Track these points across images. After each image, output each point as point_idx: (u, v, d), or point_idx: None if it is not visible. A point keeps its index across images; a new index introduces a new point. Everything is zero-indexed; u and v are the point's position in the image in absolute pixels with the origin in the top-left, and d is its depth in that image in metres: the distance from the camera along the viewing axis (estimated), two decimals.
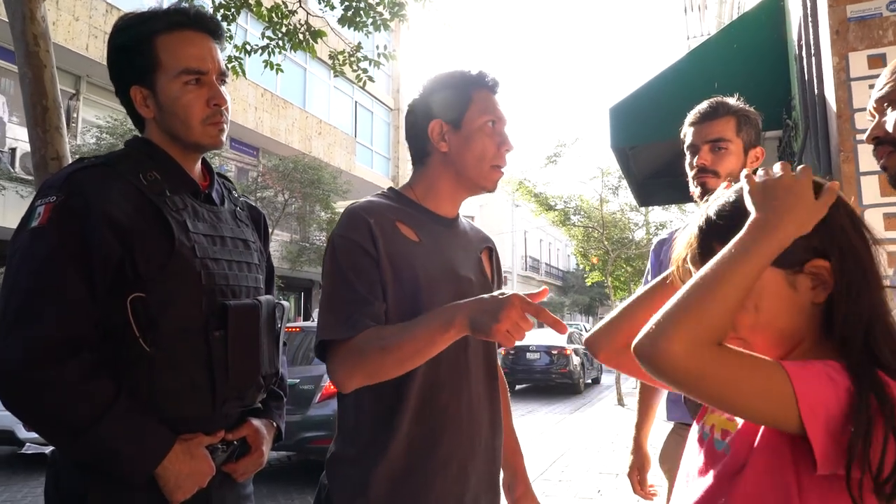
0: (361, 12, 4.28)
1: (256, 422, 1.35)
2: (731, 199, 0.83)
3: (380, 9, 4.40)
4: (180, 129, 1.26)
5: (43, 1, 2.23)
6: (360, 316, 1.16)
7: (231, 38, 4.45)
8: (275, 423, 1.41)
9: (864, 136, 1.17)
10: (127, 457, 1.09)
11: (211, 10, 4.55)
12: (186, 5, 1.30)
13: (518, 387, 14.38)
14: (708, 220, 0.83)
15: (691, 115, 1.76)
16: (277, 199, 14.45)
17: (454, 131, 1.32)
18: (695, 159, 1.70)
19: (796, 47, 3.68)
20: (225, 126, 1.31)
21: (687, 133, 1.75)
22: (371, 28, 4.38)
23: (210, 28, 1.30)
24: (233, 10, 4.18)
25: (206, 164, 1.39)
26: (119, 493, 1.12)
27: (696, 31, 11.74)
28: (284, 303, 1.43)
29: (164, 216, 1.19)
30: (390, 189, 1.39)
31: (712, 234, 0.81)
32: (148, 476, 1.11)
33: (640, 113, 4.67)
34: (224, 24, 4.35)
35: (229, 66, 4.54)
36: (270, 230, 14.01)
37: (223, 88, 1.31)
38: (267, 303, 1.33)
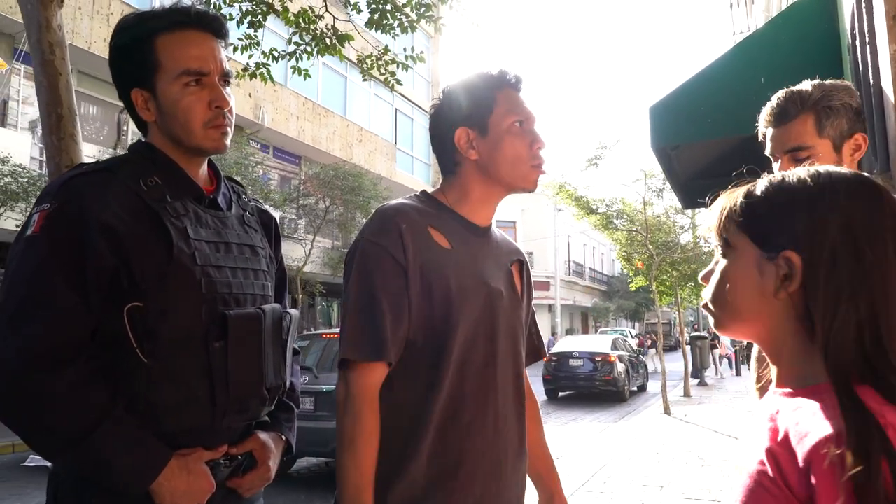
0: (388, 14, 4.26)
1: (263, 435, 1.30)
2: (763, 186, 0.76)
3: (407, 10, 4.38)
4: (181, 133, 1.22)
5: (59, 9, 2.26)
6: (384, 340, 1.14)
7: (258, 44, 4.50)
8: (284, 437, 1.35)
9: None
10: (121, 471, 1.05)
11: (238, 17, 4.66)
12: (189, 3, 1.26)
13: (561, 394, 14.14)
14: (733, 196, 0.78)
15: (766, 114, 1.46)
16: (319, 206, 14.64)
17: (482, 137, 1.27)
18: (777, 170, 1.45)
19: (849, 36, 3.47)
20: (228, 129, 1.26)
21: (766, 135, 1.47)
22: (398, 30, 4.35)
23: (213, 27, 1.25)
24: (259, 16, 4.20)
25: (213, 168, 1.35)
26: None
27: (743, 26, 11.36)
28: (293, 311, 1.37)
29: (163, 223, 1.15)
30: (423, 192, 1.35)
31: (732, 215, 0.77)
32: (143, 491, 1.07)
33: (682, 111, 4.49)
34: (251, 31, 4.43)
35: (258, 72, 4.58)
36: (312, 236, 14.25)
37: (227, 90, 1.26)
38: (272, 311, 1.27)
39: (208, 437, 1.18)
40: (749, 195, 0.76)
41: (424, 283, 1.18)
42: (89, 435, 1.03)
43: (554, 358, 13.69)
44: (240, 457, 1.24)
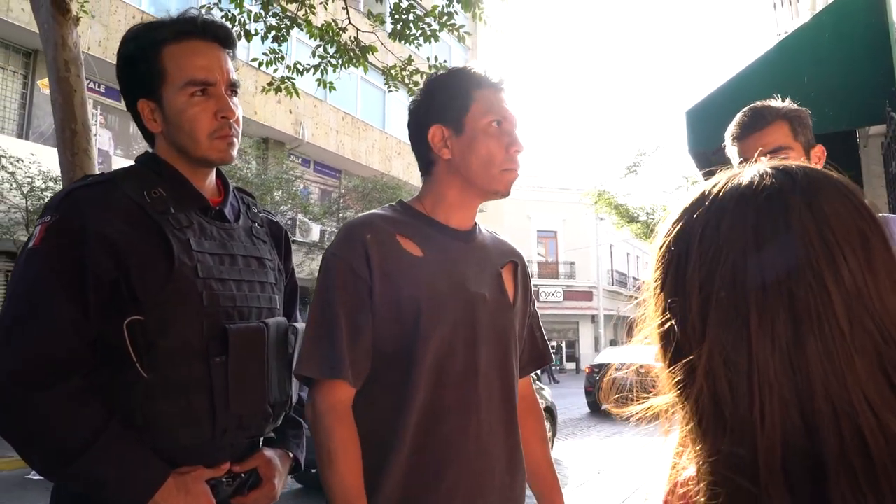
0: (411, 25, 4.26)
1: (269, 452, 1.26)
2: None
3: (429, 20, 4.38)
4: (187, 144, 1.20)
5: (75, 28, 2.33)
6: (340, 358, 1.12)
7: (283, 58, 4.58)
8: (291, 454, 1.32)
9: None
10: (115, 489, 1.03)
11: (263, 33, 4.74)
12: (196, 13, 1.25)
13: (604, 406, 13.82)
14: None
15: (733, 129, 1.57)
16: None
17: (456, 136, 1.22)
18: None
19: None
20: (235, 140, 1.24)
21: (733, 151, 1.58)
22: (421, 40, 4.36)
23: (219, 36, 1.24)
24: (284, 30, 4.26)
25: (222, 179, 1.34)
26: None
27: (789, 26, 10.99)
28: (300, 325, 1.34)
29: (165, 235, 1.13)
30: (399, 201, 1.30)
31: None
32: None
33: (722, 113, 4.31)
34: (275, 45, 4.50)
35: (282, 86, 4.65)
36: None
37: (234, 100, 1.25)
38: (276, 325, 1.24)
39: (209, 454, 1.15)
40: None
41: (391, 294, 1.15)
42: (83, 452, 1.01)
43: (596, 369, 13.41)
44: (243, 475, 1.21)
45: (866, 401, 0.45)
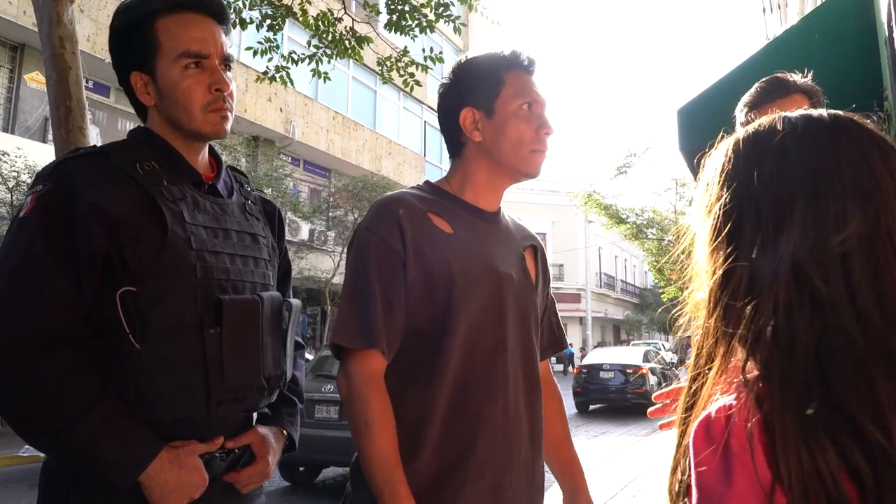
0: (407, 16, 4.27)
1: (263, 429, 1.25)
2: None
3: (426, 11, 4.38)
4: (181, 116, 1.19)
5: (70, 4, 2.31)
6: (375, 328, 1.13)
7: (278, 48, 4.56)
8: (285, 432, 1.31)
9: None
10: (107, 462, 1.01)
11: (258, 21, 4.71)
12: None
13: (591, 407, 13.87)
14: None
15: (748, 97, 1.54)
16: (348, 218, 14.74)
17: (487, 119, 1.24)
18: None
19: (885, 29, 3.34)
20: (228, 114, 1.23)
21: (744, 118, 1.53)
22: (417, 31, 4.37)
23: (213, 10, 1.23)
24: (279, 19, 4.25)
25: (214, 155, 1.33)
26: (104, 496, 1.04)
27: (777, 31, 11.11)
28: (294, 301, 1.33)
29: (158, 206, 1.12)
30: (426, 182, 1.33)
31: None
32: (131, 483, 1.03)
33: (712, 112, 4.36)
34: (270, 35, 4.48)
35: (277, 75, 4.63)
36: (341, 248, 14.33)
37: (228, 74, 1.24)
38: (270, 299, 1.23)
39: (203, 428, 1.13)
40: None
41: (424, 269, 1.17)
42: (74, 425, 0.99)
43: (584, 370, 13.45)
44: (237, 450, 1.19)
45: None
